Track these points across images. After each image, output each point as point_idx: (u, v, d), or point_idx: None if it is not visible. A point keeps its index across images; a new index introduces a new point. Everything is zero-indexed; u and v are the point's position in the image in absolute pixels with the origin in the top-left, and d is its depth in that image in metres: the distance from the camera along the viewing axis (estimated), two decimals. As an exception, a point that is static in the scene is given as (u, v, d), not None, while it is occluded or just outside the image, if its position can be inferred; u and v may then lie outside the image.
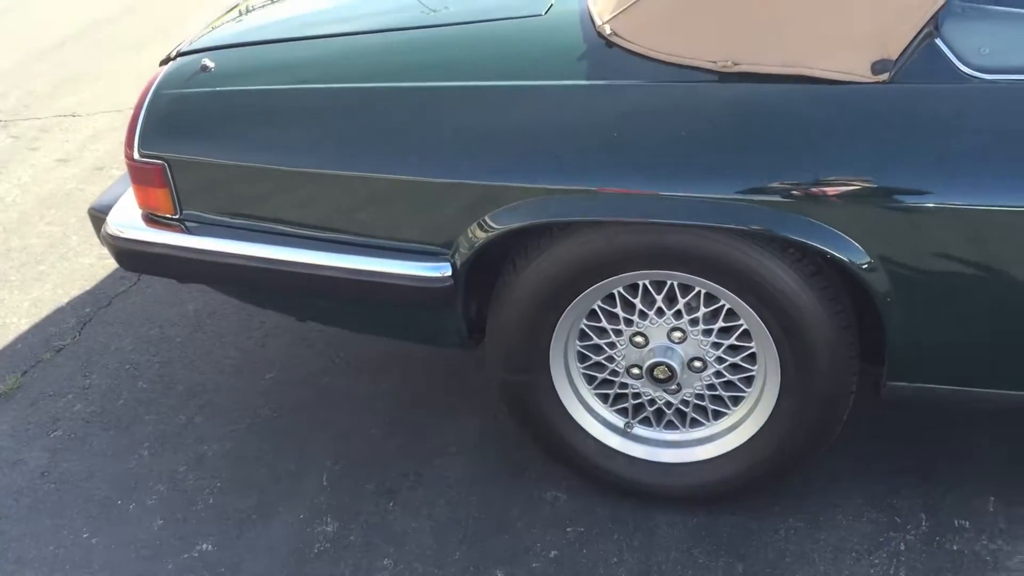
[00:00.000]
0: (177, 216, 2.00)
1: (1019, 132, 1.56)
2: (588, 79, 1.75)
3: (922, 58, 1.56)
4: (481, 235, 1.78)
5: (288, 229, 1.92)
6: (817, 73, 1.60)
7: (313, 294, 1.99)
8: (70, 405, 2.42)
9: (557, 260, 1.78)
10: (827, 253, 1.63)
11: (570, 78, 1.76)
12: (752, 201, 1.64)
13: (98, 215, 2.15)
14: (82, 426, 2.35)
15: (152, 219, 2.03)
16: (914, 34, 1.55)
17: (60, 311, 2.80)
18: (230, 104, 1.96)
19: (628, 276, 1.79)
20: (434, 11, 2.08)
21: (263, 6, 2.46)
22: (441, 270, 1.83)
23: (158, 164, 1.96)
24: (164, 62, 2.11)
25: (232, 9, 2.48)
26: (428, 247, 1.85)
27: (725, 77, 1.65)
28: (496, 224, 1.76)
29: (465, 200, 1.78)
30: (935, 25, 1.55)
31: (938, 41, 1.56)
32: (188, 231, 1.99)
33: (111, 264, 2.94)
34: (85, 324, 2.72)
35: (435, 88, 1.83)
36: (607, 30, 1.74)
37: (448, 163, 1.79)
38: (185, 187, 1.97)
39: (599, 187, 1.70)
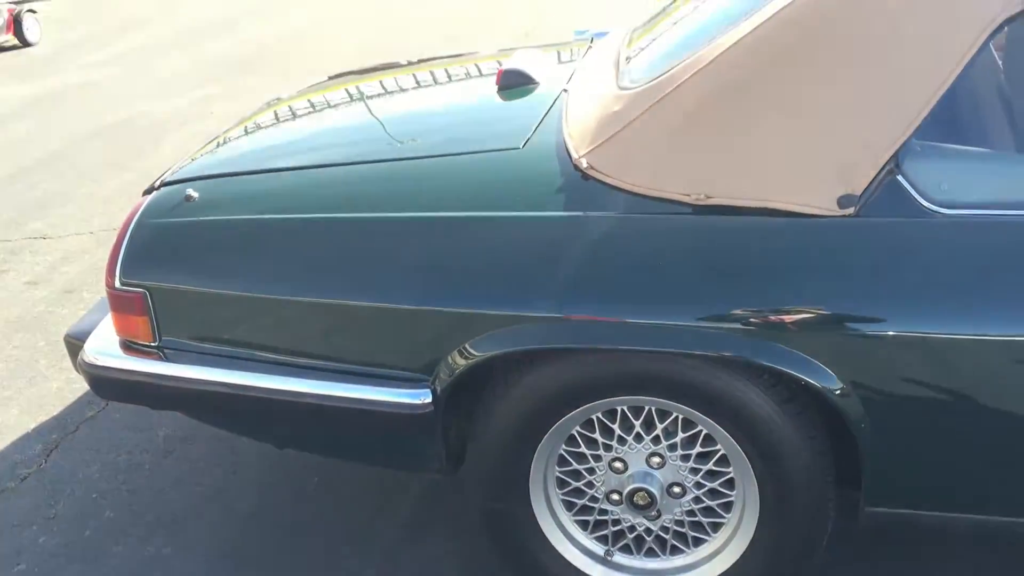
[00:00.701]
0: (156, 343, 2.00)
1: (977, 264, 1.63)
2: (566, 210, 1.81)
3: (885, 193, 1.64)
4: (462, 362, 1.80)
5: (269, 356, 1.93)
6: (786, 206, 1.67)
7: (292, 421, 1.98)
8: (35, 537, 2.35)
9: (537, 386, 1.80)
10: (800, 379, 1.67)
11: (549, 209, 1.81)
12: (726, 329, 1.68)
13: (74, 342, 2.14)
14: (47, 559, 2.28)
15: (130, 346, 2.03)
16: (876, 171, 1.63)
17: (26, 437, 2.74)
18: (213, 233, 1.99)
19: (606, 402, 1.81)
20: (402, 143, 2.15)
21: (239, 137, 2.53)
22: (422, 397, 1.84)
23: (139, 292, 1.97)
24: (148, 192, 2.14)
25: (212, 140, 2.54)
26: (408, 373, 1.86)
27: (698, 209, 1.72)
28: (477, 351, 1.78)
29: (446, 327, 1.81)
30: (896, 163, 1.63)
31: (899, 177, 1.64)
32: (167, 359, 1.99)
33: (79, 388, 2.90)
34: (52, 451, 2.67)
35: (415, 218, 1.88)
36: (583, 163, 1.81)
37: (428, 291, 1.82)
38: (165, 315, 1.98)
39: (577, 315, 1.74)
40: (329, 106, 2.71)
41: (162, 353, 2.00)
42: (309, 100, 2.76)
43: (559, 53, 2.66)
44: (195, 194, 2.02)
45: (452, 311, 1.80)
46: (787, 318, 1.67)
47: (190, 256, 1.99)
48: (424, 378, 1.84)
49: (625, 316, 1.72)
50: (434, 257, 1.84)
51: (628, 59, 2.09)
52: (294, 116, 2.67)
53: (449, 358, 1.81)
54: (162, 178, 2.18)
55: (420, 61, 3.09)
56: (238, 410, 2.00)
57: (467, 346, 1.79)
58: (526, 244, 1.79)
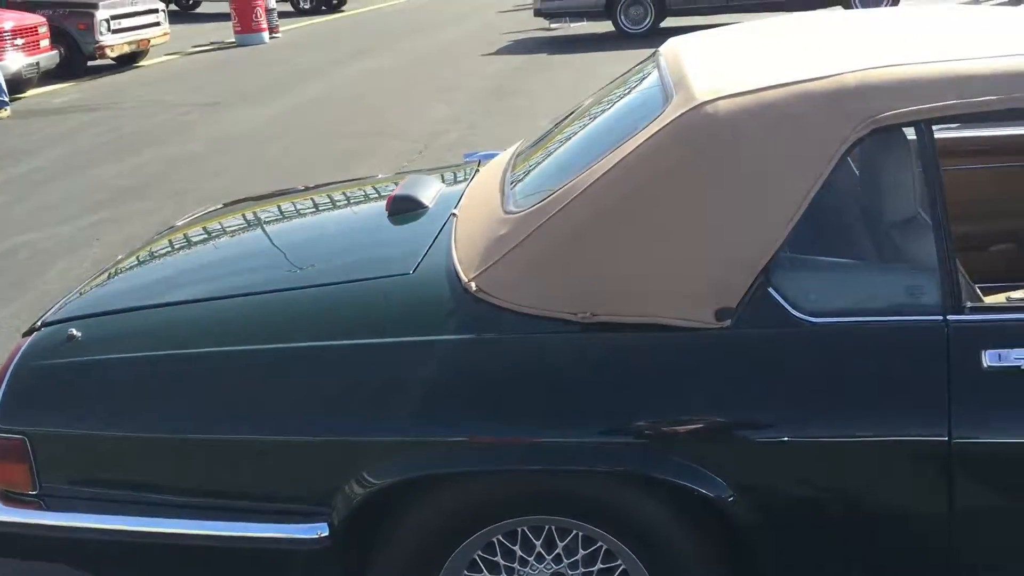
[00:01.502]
0: (35, 492, 1.91)
1: (845, 370, 1.71)
2: (457, 334, 1.83)
3: (758, 305, 1.72)
4: (359, 491, 1.77)
5: (158, 498, 1.87)
6: (668, 321, 1.74)
7: (185, 565, 1.90)
8: None
9: (436, 512, 1.79)
10: (692, 490, 1.71)
11: (441, 333, 1.84)
12: (618, 444, 1.72)
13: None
14: None
15: (8, 496, 1.94)
16: (748, 284, 1.71)
17: None
18: (96, 374, 1.94)
19: (507, 523, 1.81)
20: (292, 272, 2.17)
21: (129, 268, 2.49)
22: (318, 531, 1.80)
23: (18, 439, 1.89)
24: (28, 333, 2.08)
25: (101, 273, 2.50)
26: (304, 507, 1.82)
27: (586, 327, 1.77)
28: (374, 479, 1.76)
29: (341, 457, 1.79)
30: (766, 276, 1.72)
31: (770, 290, 1.72)
32: (48, 507, 1.90)
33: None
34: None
35: (307, 348, 1.87)
36: (473, 286, 1.85)
37: (323, 421, 1.81)
38: (46, 461, 1.90)
39: (471, 437, 1.75)
40: (222, 235, 2.70)
41: (42, 502, 1.91)
42: (203, 229, 2.75)
43: (448, 176, 2.74)
44: (78, 333, 1.97)
45: (347, 440, 1.79)
46: (675, 429, 1.72)
47: (72, 398, 1.93)
48: (321, 511, 1.81)
49: (520, 436, 1.74)
50: (327, 387, 1.84)
51: (513, 183, 2.17)
52: (187, 246, 2.65)
53: (346, 488, 1.78)
54: (43, 318, 2.13)
55: (313, 187, 3.12)
56: (126, 558, 1.91)
57: (364, 475, 1.77)
58: (419, 369, 1.81)
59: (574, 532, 1.82)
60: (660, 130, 1.82)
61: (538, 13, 12.22)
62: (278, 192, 3.29)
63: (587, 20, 12.33)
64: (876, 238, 1.87)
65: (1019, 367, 1.64)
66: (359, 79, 10.78)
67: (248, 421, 1.84)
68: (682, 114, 1.81)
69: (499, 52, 11.99)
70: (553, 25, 13.24)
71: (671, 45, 2.34)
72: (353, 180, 3.22)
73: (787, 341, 1.72)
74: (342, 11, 18.81)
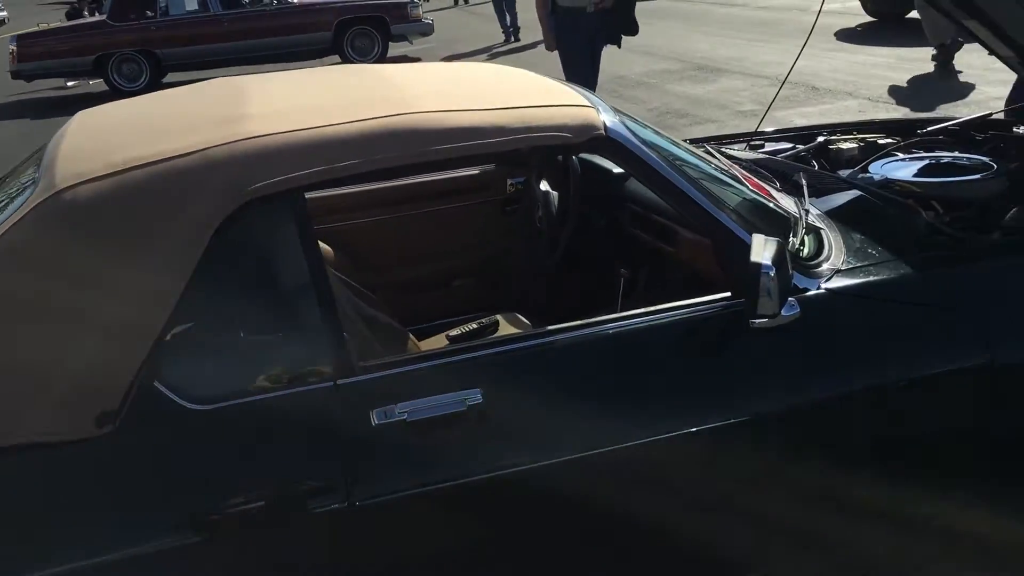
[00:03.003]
0: None
1: (248, 453, 1.64)
2: None
3: (144, 402, 1.59)
4: None
5: None
6: (43, 438, 1.55)
7: None
8: None
9: None
10: None
11: None
12: None
13: None
14: None
15: None
16: (129, 382, 1.58)
17: None
18: None
19: None
20: None
21: None
22: None
23: None
24: None
25: None
26: None
27: None
28: None
29: None
30: (150, 369, 1.59)
31: (156, 384, 1.60)
32: None
33: None
34: None
35: None
36: None
37: None
38: None
39: None
40: None
41: None
42: None
43: None
44: None
45: None
46: (77, 556, 1.54)
47: None
48: None
49: None
50: None
51: None
52: None
53: None
54: None
55: None
56: None
57: None
58: None
59: None
60: (14, 225, 1.63)
61: (16, 76, 11.13)
62: None
63: (96, 79, 11.53)
64: (267, 313, 1.81)
65: (404, 420, 1.67)
66: None
67: None
68: (38, 204, 1.64)
69: (3, 117, 10.79)
70: (70, 84, 12.24)
71: (68, 122, 2.14)
72: None
73: (182, 435, 1.61)
74: None
